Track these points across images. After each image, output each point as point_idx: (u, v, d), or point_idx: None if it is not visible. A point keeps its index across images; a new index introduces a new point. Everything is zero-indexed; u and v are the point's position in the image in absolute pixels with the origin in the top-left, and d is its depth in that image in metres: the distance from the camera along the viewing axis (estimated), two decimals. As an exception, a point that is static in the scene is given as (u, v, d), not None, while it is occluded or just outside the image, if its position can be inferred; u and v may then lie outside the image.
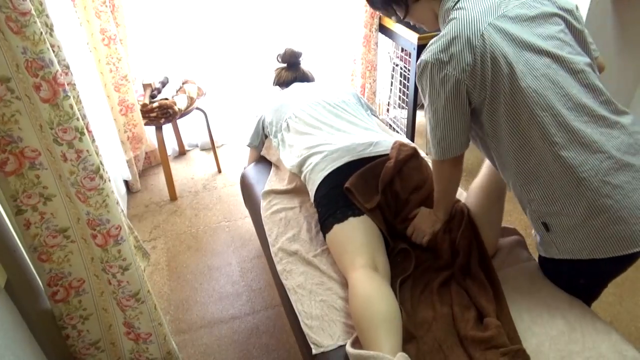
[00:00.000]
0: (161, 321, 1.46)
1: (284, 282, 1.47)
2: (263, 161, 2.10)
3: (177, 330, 1.94)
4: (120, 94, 2.48)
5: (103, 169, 1.20)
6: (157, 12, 2.67)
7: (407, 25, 2.60)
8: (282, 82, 2.23)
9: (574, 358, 1.15)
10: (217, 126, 3.10)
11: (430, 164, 1.65)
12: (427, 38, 2.47)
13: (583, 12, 2.24)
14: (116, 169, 2.48)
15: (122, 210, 1.72)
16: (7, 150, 1.10)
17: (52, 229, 1.24)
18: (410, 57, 2.69)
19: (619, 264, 1.19)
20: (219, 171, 2.98)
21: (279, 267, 1.52)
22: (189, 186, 2.86)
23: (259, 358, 1.81)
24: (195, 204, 2.70)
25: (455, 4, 1.16)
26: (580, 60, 1.13)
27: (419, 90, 1.24)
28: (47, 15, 1.08)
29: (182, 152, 3.17)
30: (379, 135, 1.71)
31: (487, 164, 1.44)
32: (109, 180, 1.24)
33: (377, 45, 2.98)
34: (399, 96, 3.22)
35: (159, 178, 2.93)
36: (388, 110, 3.44)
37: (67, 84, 1.11)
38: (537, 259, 1.45)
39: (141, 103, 2.51)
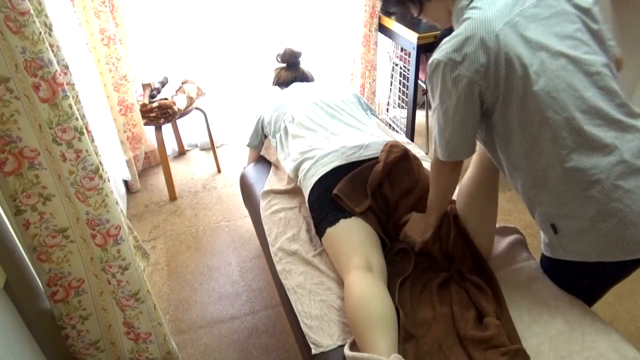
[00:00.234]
0: (161, 321, 1.46)
1: (283, 282, 1.47)
2: (262, 161, 2.10)
3: (176, 330, 1.94)
4: (119, 94, 2.47)
5: (102, 169, 1.20)
6: (157, 12, 2.67)
7: (407, 25, 2.60)
8: (282, 82, 2.23)
9: (574, 358, 1.15)
10: (217, 126, 3.10)
11: (424, 164, 1.65)
12: (427, 38, 2.48)
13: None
14: (116, 169, 2.48)
15: (122, 210, 1.72)
16: (6, 150, 1.10)
17: (52, 229, 1.23)
18: (409, 56, 2.69)
19: (626, 268, 1.18)
20: (219, 171, 2.97)
21: (278, 267, 1.52)
22: (189, 186, 2.86)
23: (259, 358, 1.81)
24: (194, 204, 2.70)
25: (470, 3, 1.14)
26: (597, 61, 1.11)
27: (429, 89, 1.22)
28: (46, 15, 1.08)
29: (181, 152, 3.17)
30: (372, 136, 1.69)
31: (476, 164, 1.39)
32: (109, 180, 1.24)
33: (376, 45, 2.98)
34: (399, 96, 3.22)
35: (159, 178, 2.93)
36: (387, 110, 3.44)
37: (66, 84, 1.11)
38: (536, 259, 1.45)
39: (141, 103, 2.51)
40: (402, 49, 2.99)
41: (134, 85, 2.56)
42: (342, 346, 1.23)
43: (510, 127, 1.14)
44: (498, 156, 1.25)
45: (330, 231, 1.45)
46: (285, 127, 1.85)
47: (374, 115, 2.12)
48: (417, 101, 2.80)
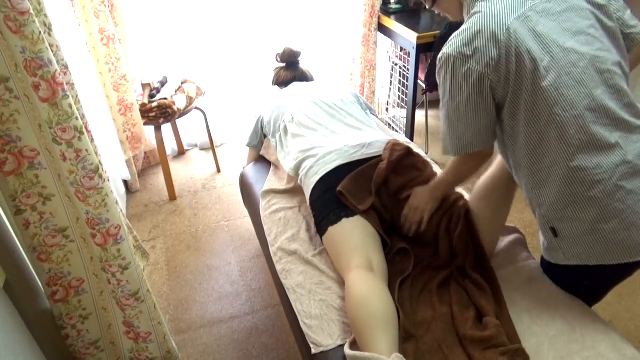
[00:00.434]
0: (161, 320, 1.46)
1: (283, 281, 1.47)
2: (262, 161, 2.10)
3: (176, 329, 1.94)
4: (119, 93, 2.47)
5: (102, 169, 1.20)
6: (156, 12, 2.67)
7: (406, 24, 2.60)
8: (281, 81, 2.23)
9: (574, 357, 1.15)
10: (216, 126, 3.10)
11: (428, 160, 1.66)
12: (426, 37, 2.48)
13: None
14: (115, 168, 2.48)
15: (122, 210, 1.72)
16: (6, 150, 1.10)
17: (52, 229, 1.23)
18: (409, 56, 2.69)
19: (626, 271, 1.18)
20: (218, 171, 2.97)
21: (278, 267, 1.52)
22: (188, 186, 2.86)
23: (259, 357, 1.81)
24: (194, 203, 2.70)
25: None
26: (609, 58, 1.10)
27: (438, 84, 1.20)
28: (45, 15, 1.08)
29: (181, 152, 3.17)
30: (373, 135, 1.70)
31: (496, 164, 1.40)
32: (108, 180, 1.24)
33: (376, 45, 2.98)
34: (398, 95, 3.22)
35: (158, 178, 2.93)
36: (387, 109, 3.44)
37: (66, 84, 1.11)
38: (536, 258, 1.45)
39: (140, 103, 2.51)
40: (401, 49, 3.00)
41: (133, 85, 2.56)
42: (342, 346, 1.23)
43: (518, 123, 1.13)
44: (507, 153, 1.24)
45: (332, 230, 1.45)
46: (285, 127, 1.85)
47: (373, 114, 2.12)
48: (416, 101, 2.80)
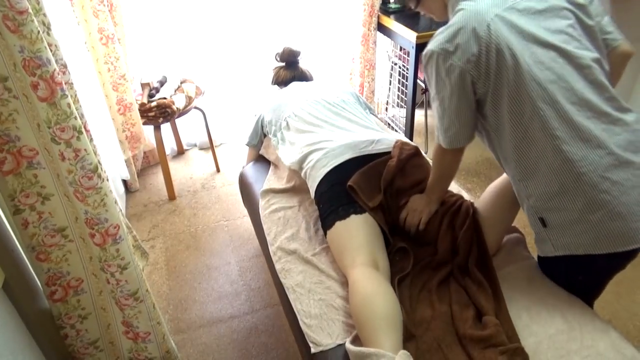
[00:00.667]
0: (160, 320, 1.46)
1: (282, 281, 1.47)
2: (261, 160, 2.10)
3: (176, 329, 1.94)
4: (118, 93, 2.47)
5: (101, 168, 1.20)
6: (156, 11, 2.67)
7: (406, 24, 2.60)
8: (281, 81, 2.23)
9: (573, 357, 1.15)
10: (216, 125, 3.10)
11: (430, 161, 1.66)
12: (426, 37, 2.48)
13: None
14: (115, 168, 2.48)
15: (121, 210, 1.72)
16: (5, 150, 1.10)
17: (50, 229, 1.23)
18: (408, 56, 2.69)
19: (617, 261, 1.19)
20: (218, 170, 2.97)
21: (277, 266, 1.52)
22: (188, 185, 2.86)
23: (258, 357, 1.81)
24: (194, 203, 2.70)
25: None
26: (588, 55, 1.13)
27: (425, 79, 1.25)
28: (44, 14, 1.08)
29: (180, 152, 3.16)
30: (380, 133, 1.71)
31: None
32: (107, 180, 1.24)
33: (375, 44, 2.98)
34: (398, 95, 3.22)
35: (158, 177, 2.93)
36: (387, 109, 3.44)
37: (65, 83, 1.11)
38: (535, 258, 1.45)
39: (139, 102, 2.51)
40: (401, 48, 2.99)
41: (132, 84, 2.56)
42: (341, 345, 1.23)
43: (502, 118, 1.16)
44: (494, 147, 1.27)
45: (339, 225, 1.44)
46: (287, 124, 1.84)
47: (373, 114, 2.12)
48: (416, 100, 2.80)
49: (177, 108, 2.49)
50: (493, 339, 1.15)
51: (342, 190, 1.49)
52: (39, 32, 1.00)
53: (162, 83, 2.63)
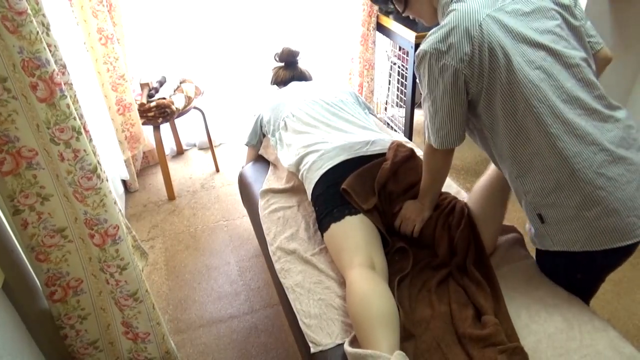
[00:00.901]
0: (159, 320, 1.46)
1: (282, 281, 1.47)
2: (261, 160, 2.10)
3: (175, 329, 1.94)
4: (117, 93, 2.47)
5: (100, 169, 1.20)
6: (155, 12, 2.67)
7: (405, 23, 2.60)
8: (280, 81, 2.23)
9: (572, 355, 1.15)
10: (215, 125, 3.10)
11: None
12: (425, 36, 2.48)
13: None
14: (114, 168, 2.48)
15: (120, 210, 1.72)
16: (4, 150, 1.10)
17: (50, 229, 1.23)
18: (407, 55, 2.69)
19: (614, 257, 1.20)
20: (217, 170, 2.97)
21: (277, 266, 1.52)
22: (187, 186, 2.86)
23: (258, 357, 1.82)
24: (193, 203, 2.70)
25: None
26: (576, 54, 1.14)
27: (417, 79, 1.26)
28: (43, 15, 1.08)
29: (180, 152, 3.17)
30: (376, 134, 1.71)
31: (492, 166, 1.44)
32: (107, 180, 1.24)
33: (374, 44, 2.98)
34: (397, 95, 3.22)
35: (157, 178, 2.93)
36: (386, 109, 3.44)
37: (64, 84, 1.11)
38: (534, 257, 1.45)
39: (139, 102, 2.51)
40: (400, 48, 2.99)
41: (132, 84, 2.56)
42: (341, 345, 1.23)
43: (495, 116, 1.17)
44: (488, 146, 1.28)
45: (334, 227, 1.45)
46: (285, 125, 1.85)
47: (372, 114, 2.12)
48: (415, 100, 2.80)
49: (176, 108, 2.49)
50: (492, 338, 1.15)
51: (336, 192, 1.49)
52: (38, 32, 1.00)
53: (161, 83, 2.63)
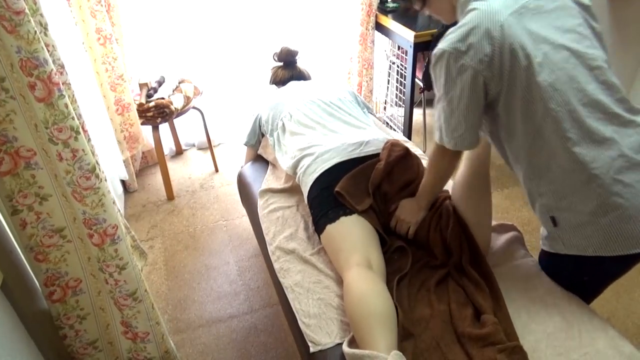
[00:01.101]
0: (159, 320, 1.46)
1: (281, 280, 1.47)
2: (260, 160, 2.10)
3: (175, 329, 1.94)
4: (116, 93, 2.47)
5: (99, 169, 1.20)
6: (153, 12, 2.67)
7: (404, 23, 2.60)
8: (279, 80, 2.22)
9: (571, 354, 1.15)
10: (214, 125, 3.10)
11: (423, 162, 1.66)
12: (424, 36, 2.48)
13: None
14: (113, 168, 2.48)
15: (119, 210, 1.71)
16: (2, 150, 1.10)
17: (49, 229, 1.23)
18: (406, 55, 2.69)
19: (625, 264, 1.18)
20: (216, 170, 2.97)
21: (276, 266, 1.52)
22: (186, 185, 2.86)
23: (257, 357, 1.81)
24: (192, 203, 2.70)
25: None
26: (599, 55, 1.12)
27: (433, 79, 1.22)
28: (41, 15, 1.08)
29: (179, 152, 3.16)
30: (372, 133, 1.70)
31: (465, 161, 1.41)
32: (105, 180, 1.24)
33: (373, 44, 2.98)
34: (396, 94, 3.22)
35: (156, 177, 2.93)
36: (385, 108, 3.44)
37: (62, 83, 1.11)
38: (534, 256, 1.45)
39: (137, 102, 2.50)
40: (399, 47, 2.99)
41: (130, 84, 2.56)
42: (340, 344, 1.23)
43: (514, 118, 1.15)
44: (503, 148, 1.26)
45: (330, 228, 1.45)
46: (283, 125, 1.85)
47: (371, 113, 2.12)
48: (414, 99, 2.80)
49: (175, 108, 2.48)
50: (492, 337, 1.15)
51: (330, 194, 1.49)
52: (36, 32, 1.00)
53: (160, 83, 2.62)
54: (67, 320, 1.37)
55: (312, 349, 1.24)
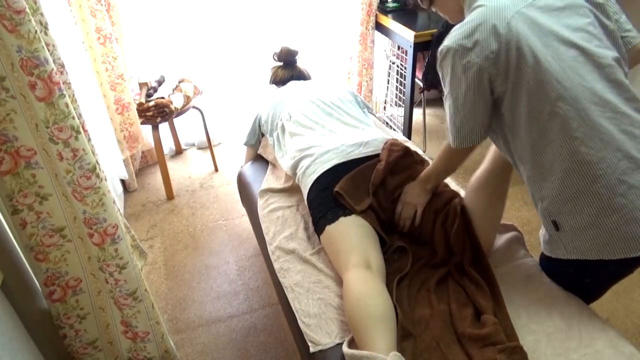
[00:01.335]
0: (159, 320, 1.46)
1: (281, 280, 1.47)
2: (260, 160, 2.10)
3: (174, 329, 1.94)
4: (116, 93, 2.47)
5: (99, 168, 1.20)
6: (153, 11, 2.66)
7: (404, 23, 2.60)
8: (279, 80, 2.22)
9: (571, 355, 1.15)
10: (214, 125, 3.10)
11: (425, 158, 1.66)
12: (424, 36, 2.48)
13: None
14: (113, 168, 2.48)
15: (119, 209, 1.71)
16: (3, 150, 1.09)
17: (49, 229, 1.23)
18: (406, 55, 2.69)
19: (627, 267, 1.17)
20: (216, 170, 2.97)
21: (276, 266, 1.52)
22: (186, 185, 2.85)
23: (257, 356, 1.81)
24: (192, 203, 2.70)
25: None
26: (608, 54, 1.10)
27: (440, 76, 1.21)
28: (41, 14, 1.08)
29: (178, 151, 3.16)
30: (371, 134, 1.70)
31: (489, 159, 1.41)
32: (105, 179, 1.24)
33: (373, 43, 2.98)
34: (396, 94, 3.22)
35: (156, 177, 2.93)
36: (385, 108, 3.44)
37: (63, 83, 1.11)
38: (534, 256, 1.45)
39: (137, 102, 2.50)
40: (399, 47, 2.99)
41: (130, 84, 2.55)
42: (340, 344, 1.23)
43: (519, 117, 1.13)
44: (508, 147, 1.24)
45: (329, 229, 1.45)
46: (283, 125, 1.85)
47: (371, 113, 2.12)
48: (414, 99, 2.80)
49: (175, 107, 2.48)
50: (492, 337, 1.15)
51: (329, 195, 1.49)
52: (36, 31, 1.00)
53: (160, 82, 2.62)
54: (67, 319, 1.37)
55: (312, 349, 1.24)
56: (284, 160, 1.78)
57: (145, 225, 2.54)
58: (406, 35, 2.55)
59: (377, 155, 1.59)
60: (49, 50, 1.07)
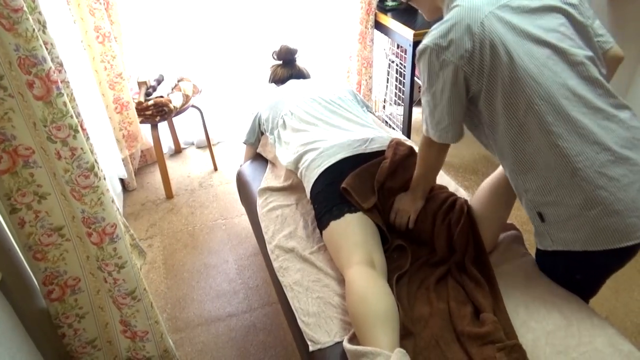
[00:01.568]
0: (158, 319, 1.46)
1: (280, 279, 1.47)
2: (259, 158, 2.10)
3: (174, 328, 1.94)
4: (115, 91, 2.46)
5: (98, 167, 1.20)
6: (152, 10, 2.66)
7: (403, 21, 2.60)
8: (278, 79, 2.22)
9: (570, 353, 1.15)
10: (213, 124, 3.10)
11: None
12: (423, 34, 2.48)
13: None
14: (112, 167, 2.47)
15: (118, 209, 1.71)
16: (1, 149, 1.09)
17: (47, 228, 1.23)
18: (406, 53, 2.69)
19: (614, 258, 1.19)
20: (215, 169, 2.97)
21: (275, 265, 1.52)
22: (185, 184, 2.85)
23: (256, 355, 1.81)
24: (191, 202, 2.70)
25: None
26: (580, 52, 1.13)
27: (418, 73, 1.26)
28: (39, 12, 1.08)
29: (177, 150, 3.16)
30: (375, 131, 1.71)
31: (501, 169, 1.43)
32: (104, 178, 1.24)
33: (372, 42, 2.98)
34: (395, 93, 3.22)
35: (155, 176, 2.93)
36: (384, 107, 3.44)
37: (61, 82, 1.10)
38: (533, 255, 1.45)
39: (136, 101, 2.50)
40: (398, 46, 2.99)
41: (129, 83, 2.55)
42: (339, 343, 1.23)
43: (496, 113, 1.17)
44: (489, 143, 1.27)
45: (334, 224, 1.44)
46: (284, 123, 1.84)
47: (370, 112, 2.12)
48: (413, 98, 2.80)
49: (174, 106, 2.48)
50: (491, 335, 1.15)
51: (336, 190, 1.49)
52: (34, 30, 0.99)
53: (159, 81, 2.62)
54: (65, 319, 1.37)
55: (311, 348, 1.24)
56: (285, 155, 1.77)
57: (145, 225, 2.53)
58: (405, 34, 2.55)
59: (383, 152, 1.59)
60: (47, 49, 1.07)
